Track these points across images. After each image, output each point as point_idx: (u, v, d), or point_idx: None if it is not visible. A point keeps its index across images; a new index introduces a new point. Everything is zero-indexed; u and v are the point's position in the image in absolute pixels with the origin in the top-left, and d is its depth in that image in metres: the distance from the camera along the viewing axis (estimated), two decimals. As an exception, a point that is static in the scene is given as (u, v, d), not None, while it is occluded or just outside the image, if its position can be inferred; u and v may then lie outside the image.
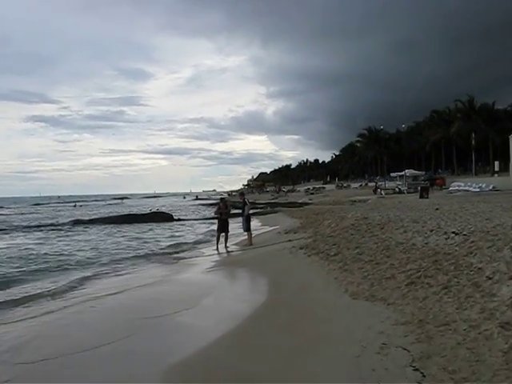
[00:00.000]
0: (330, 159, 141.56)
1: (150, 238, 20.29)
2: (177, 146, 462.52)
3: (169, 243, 17.97)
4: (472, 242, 7.62)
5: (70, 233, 24.13)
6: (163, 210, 45.42)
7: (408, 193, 42.90)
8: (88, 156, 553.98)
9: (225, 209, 15.74)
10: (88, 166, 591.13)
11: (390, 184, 58.46)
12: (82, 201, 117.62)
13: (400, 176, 52.15)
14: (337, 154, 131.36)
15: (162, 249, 16.42)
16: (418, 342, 4.46)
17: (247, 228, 15.11)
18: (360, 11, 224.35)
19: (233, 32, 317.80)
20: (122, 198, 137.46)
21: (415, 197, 32.82)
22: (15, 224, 31.89)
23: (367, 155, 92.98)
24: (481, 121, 61.10)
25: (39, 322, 6.96)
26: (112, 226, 27.17)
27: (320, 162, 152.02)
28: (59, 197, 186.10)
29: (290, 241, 13.24)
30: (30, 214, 53.54)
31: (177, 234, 22.57)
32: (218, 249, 14.75)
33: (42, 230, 25.89)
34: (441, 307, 5.28)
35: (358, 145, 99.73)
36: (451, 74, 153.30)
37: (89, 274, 11.27)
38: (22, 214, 53.06)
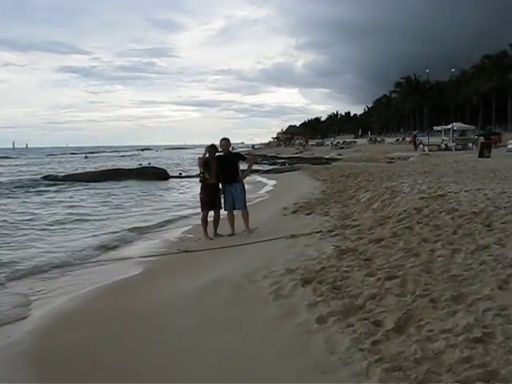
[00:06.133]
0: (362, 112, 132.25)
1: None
2: (208, 98, 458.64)
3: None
4: None
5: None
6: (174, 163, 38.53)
7: (456, 150, 36.35)
8: (119, 107, 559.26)
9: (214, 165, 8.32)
10: (119, 117, 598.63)
11: (430, 139, 50.66)
12: (102, 152, 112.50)
13: (445, 130, 44.32)
14: (370, 106, 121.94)
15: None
16: None
17: (243, 204, 8.25)
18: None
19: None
20: (142, 150, 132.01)
21: (468, 155, 27.60)
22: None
23: (404, 107, 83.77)
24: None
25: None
26: (85, 185, 21.23)
27: (352, 114, 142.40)
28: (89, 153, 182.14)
29: (293, 237, 6.77)
30: (24, 165, 48.59)
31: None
32: (207, 236, 8.10)
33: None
34: None
35: (395, 96, 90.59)
36: (496, 25, 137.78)
37: None
38: (16, 165, 48.14)
